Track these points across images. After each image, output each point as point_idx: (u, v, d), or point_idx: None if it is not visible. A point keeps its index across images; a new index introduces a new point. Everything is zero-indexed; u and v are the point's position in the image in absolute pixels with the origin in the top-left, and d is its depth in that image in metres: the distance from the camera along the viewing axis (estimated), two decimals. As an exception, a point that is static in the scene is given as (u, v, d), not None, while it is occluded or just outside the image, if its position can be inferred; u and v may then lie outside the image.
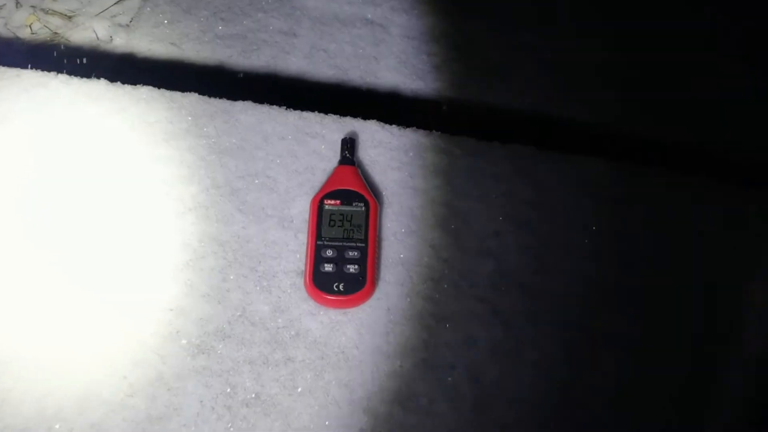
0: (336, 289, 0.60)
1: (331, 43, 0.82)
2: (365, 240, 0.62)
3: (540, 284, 0.64)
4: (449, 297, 0.62)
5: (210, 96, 0.71)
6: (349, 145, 0.68)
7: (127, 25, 0.84)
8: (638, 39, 0.84)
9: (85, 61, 0.80)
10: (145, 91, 0.71)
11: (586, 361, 0.61)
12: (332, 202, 0.64)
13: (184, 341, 0.59)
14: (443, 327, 0.61)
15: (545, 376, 0.59)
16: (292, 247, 0.64)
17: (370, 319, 0.61)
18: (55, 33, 0.84)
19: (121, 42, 0.82)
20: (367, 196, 0.64)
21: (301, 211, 0.66)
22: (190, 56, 0.80)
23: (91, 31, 0.84)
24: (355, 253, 0.61)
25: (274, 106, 0.71)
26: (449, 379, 0.59)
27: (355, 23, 0.83)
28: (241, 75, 0.80)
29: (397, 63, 0.81)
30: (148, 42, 0.81)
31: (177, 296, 0.60)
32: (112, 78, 0.71)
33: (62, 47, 0.82)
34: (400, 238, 0.65)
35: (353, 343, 0.60)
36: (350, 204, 0.64)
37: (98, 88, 0.71)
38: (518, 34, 0.84)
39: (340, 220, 0.63)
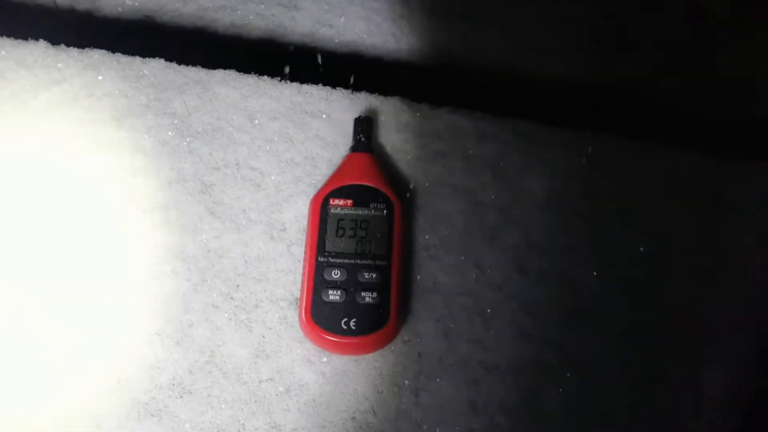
0: (345, 326, 0.53)
1: (340, 17, 0.76)
2: (387, 256, 0.56)
3: (633, 320, 0.58)
4: (504, 338, 0.57)
5: (179, 63, 0.65)
6: (364, 126, 0.62)
7: (91, -9, 0.80)
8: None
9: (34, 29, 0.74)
10: (94, 56, 0.64)
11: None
12: (341, 202, 0.57)
13: (126, 396, 0.53)
14: (496, 381, 0.55)
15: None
16: (284, 266, 0.58)
17: (393, 369, 0.55)
18: (4, -2, 0.80)
19: (82, 10, 0.76)
20: (389, 195, 0.58)
21: (296, 215, 0.60)
22: (164, 30, 0.74)
23: (48, -5, 0.80)
24: (373, 275, 0.55)
25: (264, 77, 0.65)
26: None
27: (371, -7, 0.80)
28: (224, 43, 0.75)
29: (421, 41, 0.76)
30: (115, 12, 0.76)
31: (119, 332, 0.55)
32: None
33: (8, 13, 0.77)
34: (435, 254, 0.60)
35: (368, 404, 0.54)
36: (366, 206, 0.57)
37: (35, 51, 0.64)
38: (562, 2, 0.80)
39: (351, 228, 0.56)
